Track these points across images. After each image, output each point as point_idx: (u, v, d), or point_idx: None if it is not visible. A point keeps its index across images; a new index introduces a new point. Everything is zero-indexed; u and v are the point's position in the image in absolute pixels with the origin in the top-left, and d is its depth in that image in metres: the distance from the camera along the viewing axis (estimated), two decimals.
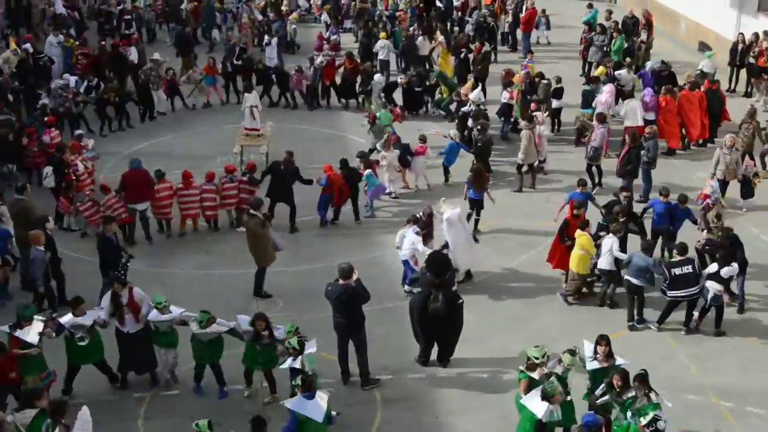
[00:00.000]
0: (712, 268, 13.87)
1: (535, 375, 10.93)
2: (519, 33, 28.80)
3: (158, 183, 16.79)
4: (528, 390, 10.72)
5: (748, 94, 24.42)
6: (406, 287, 15.00)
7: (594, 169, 18.89)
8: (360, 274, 12.49)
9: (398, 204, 18.54)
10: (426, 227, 15.21)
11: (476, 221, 17.03)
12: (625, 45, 25.03)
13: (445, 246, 14.86)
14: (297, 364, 11.43)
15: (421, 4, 30.54)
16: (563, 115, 21.99)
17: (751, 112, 19.94)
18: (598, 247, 14.60)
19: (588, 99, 21.21)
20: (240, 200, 17.20)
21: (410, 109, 23.24)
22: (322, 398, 10.63)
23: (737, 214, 17.72)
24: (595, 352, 11.42)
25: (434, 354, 13.30)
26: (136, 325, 12.40)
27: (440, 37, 25.53)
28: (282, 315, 13.77)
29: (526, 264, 16.12)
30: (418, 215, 15.42)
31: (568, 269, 14.92)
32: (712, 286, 13.72)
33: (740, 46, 24.41)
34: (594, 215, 15.64)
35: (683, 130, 21.01)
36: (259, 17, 29.33)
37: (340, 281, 12.34)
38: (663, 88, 21.03)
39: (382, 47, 25.47)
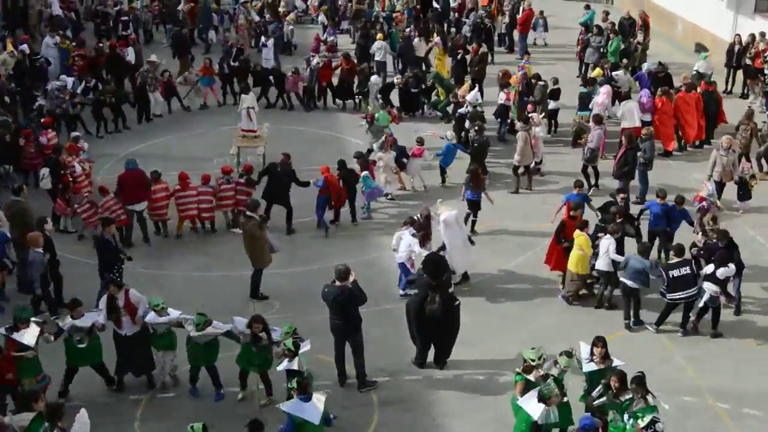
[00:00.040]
0: (709, 269, 13.89)
1: (532, 377, 10.92)
2: (516, 34, 28.80)
3: (154, 184, 16.79)
4: (524, 392, 10.69)
5: (744, 96, 24.44)
6: (401, 291, 14.95)
7: (591, 170, 18.90)
8: (357, 276, 12.49)
9: (395, 206, 18.53)
10: (423, 229, 15.18)
11: (473, 222, 17.03)
12: (622, 46, 25.05)
13: (442, 248, 14.84)
14: (293, 366, 11.41)
15: (417, 6, 30.58)
16: (560, 116, 22.01)
17: (749, 113, 19.99)
18: (596, 248, 14.62)
19: (585, 101, 21.20)
20: (237, 202, 17.20)
21: (407, 111, 23.26)
22: (319, 400, 10.62)
23: (734, 216, 17.72)
24: (592, 353, 11.43)
25: (431, 356, 13.29)
26: (134, 328, 12.39)
27: (437, 39, 25.55)
28: (278, 317, 13.75)
29: (523, 266, 16.12)
30: (415, 217, 15.41)
31: (565, 271, 14.94)
32: (709, 288, 13.73)
33: (737, 48, 24.43)
34: (592, 216, 15.68)
35: (679, 132, 21.04)
36: (256, 18, 29.34)
37: (337, 283, 12.33)
38: (659, 89, 21.06)
39: (379, 48, 25.46)
